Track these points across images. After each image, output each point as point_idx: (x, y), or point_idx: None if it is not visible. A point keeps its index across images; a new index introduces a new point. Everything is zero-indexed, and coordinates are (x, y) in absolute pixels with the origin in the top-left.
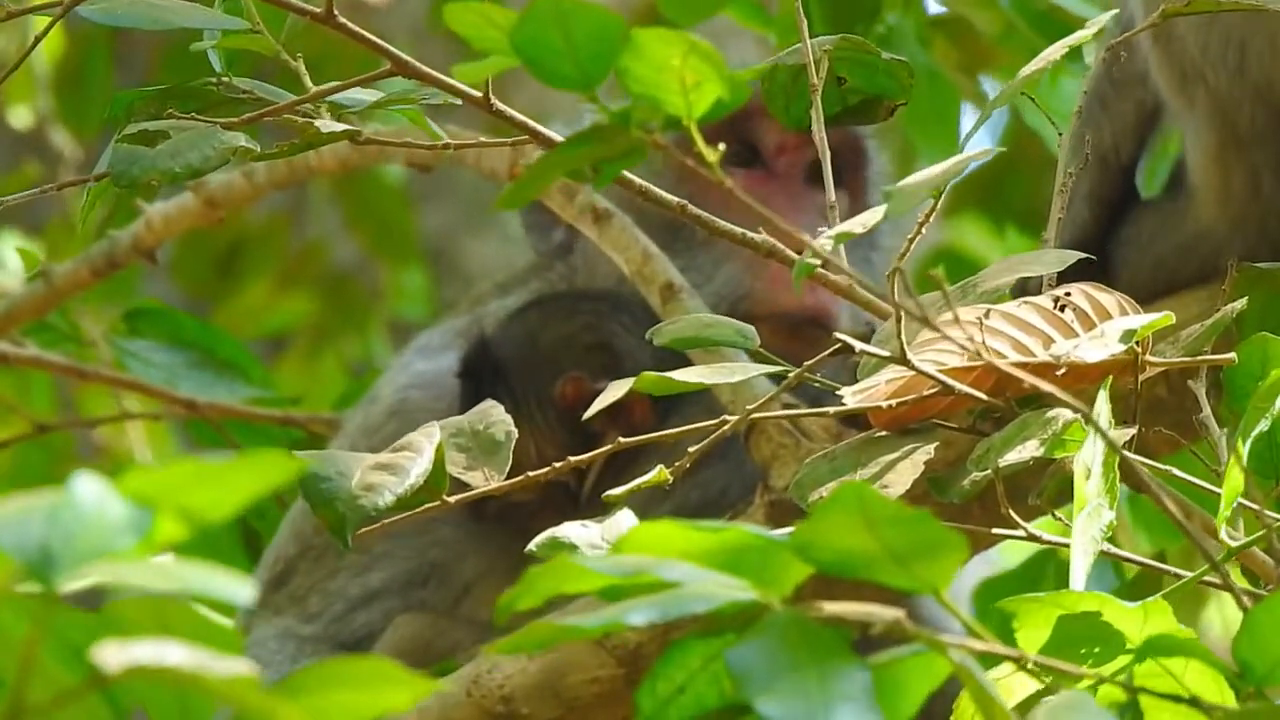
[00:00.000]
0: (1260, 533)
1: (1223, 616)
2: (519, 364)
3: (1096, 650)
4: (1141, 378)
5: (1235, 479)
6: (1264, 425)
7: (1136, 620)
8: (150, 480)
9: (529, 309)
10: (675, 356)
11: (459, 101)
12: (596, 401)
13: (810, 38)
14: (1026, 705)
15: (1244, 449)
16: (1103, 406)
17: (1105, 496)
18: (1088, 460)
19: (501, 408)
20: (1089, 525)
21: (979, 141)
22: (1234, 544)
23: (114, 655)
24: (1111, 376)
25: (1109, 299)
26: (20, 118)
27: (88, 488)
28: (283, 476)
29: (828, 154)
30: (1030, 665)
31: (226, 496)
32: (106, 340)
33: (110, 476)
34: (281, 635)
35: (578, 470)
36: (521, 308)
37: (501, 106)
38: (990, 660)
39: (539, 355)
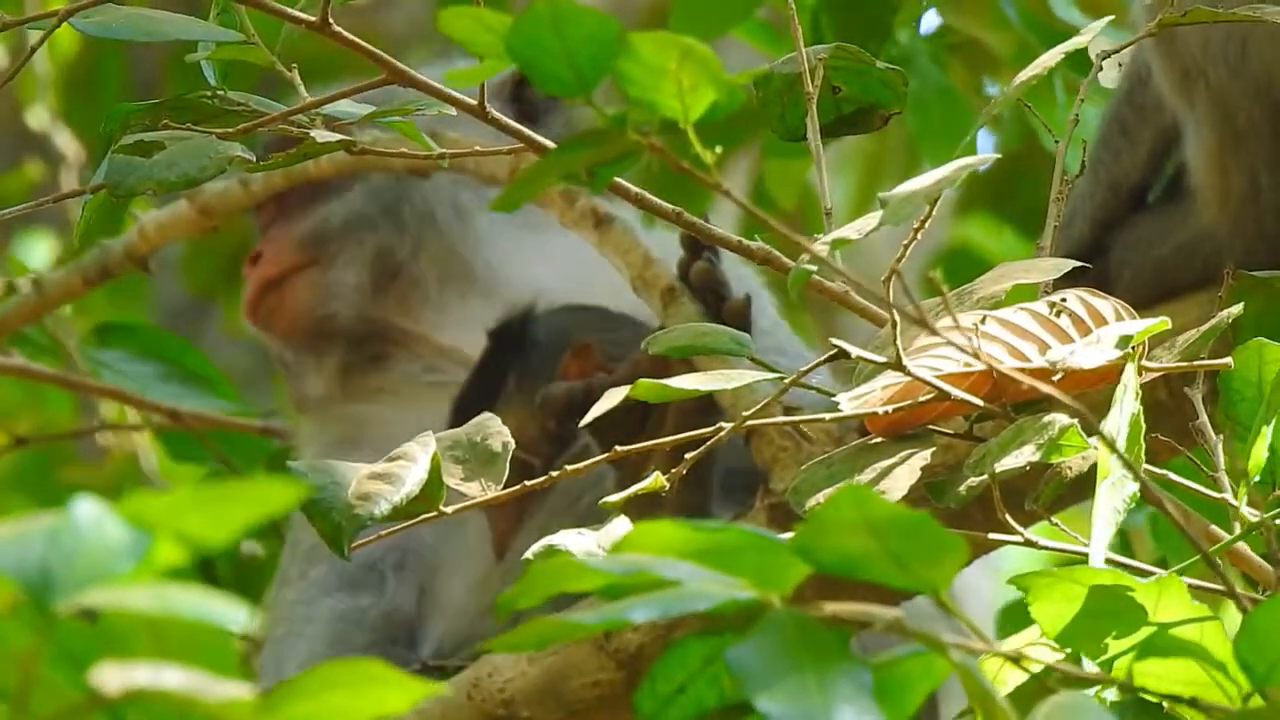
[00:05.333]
0: (1254, 525)
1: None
2: (544, 348)
3: (1120, 624)
4: (1138, 383)
5: (1258, 458)
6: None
7: (1151, 596)
8: (149, 504)
9: (581, 309)
10: None
11: (453, 112)
12: (593, 409)
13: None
14: (1026, 697)
15: (1262, 447)
16: (1130, 380)
17: (1129, 470)
18: (1112, 431)
19: (498, 419)
20: (1111, 497)
21: (985, 147)
22: (1244, 550)
23: (112, 677)
24: (1141, 351)
25: (1105, 304)
26: (38, 118)
27: (87, 511)
28: (283, 502)
29: (823, 161)
30: (1028, 662)
31: (226, 521)
32: (79, 352)
33: (112, 482)
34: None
35: (541, 452)
36: (578, 305)
37: (497, 115)
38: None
39: (564, 347)
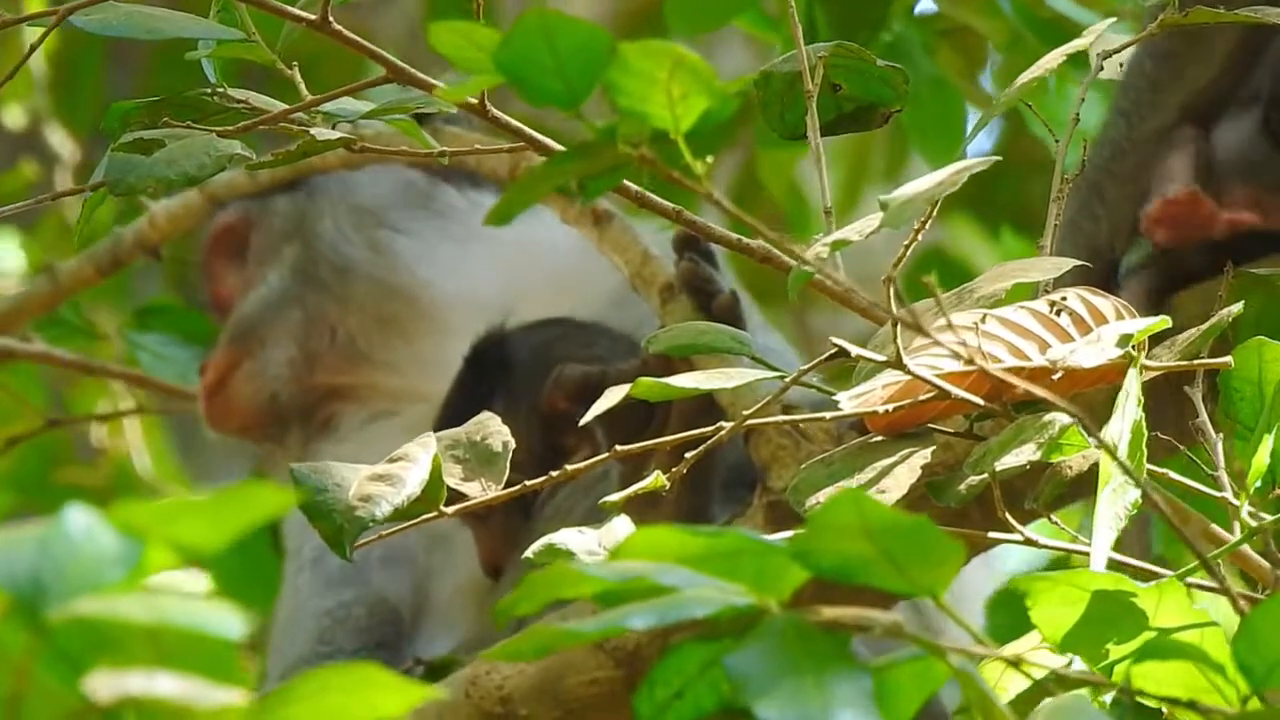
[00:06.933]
0: (1255, 529)
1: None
2: (526, 367)
3: (1120, 628)
4: (1140, 385)
5: (1260, 460)
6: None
7: (1151, 600)
8: (141, 512)
9: (556, 323)
10: None
11: (454, 109)
12: (594, 407)
13: (813, 45)
14: (1025, 701)
15: (1265, 449)
16: (1132, 385)
17: (1131, 477)
18: (1114, 436)
19: (497, 418)
20: (1113, 502)
21: (980, 145)
22: (1243, 549)
23: (105, 685)
24: (1144, 350)
25: (1105, 303)
26: (14, 117)
27: (78, 519)
28: (275, 509)
29: (823, 160)
30: (1027, 666)
31: (218, 528)
32: (120, 335)
33: (108, 477)
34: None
35: (529, 474)
36: (552, 319)
37: (498, 114)
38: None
39: (546, 367)
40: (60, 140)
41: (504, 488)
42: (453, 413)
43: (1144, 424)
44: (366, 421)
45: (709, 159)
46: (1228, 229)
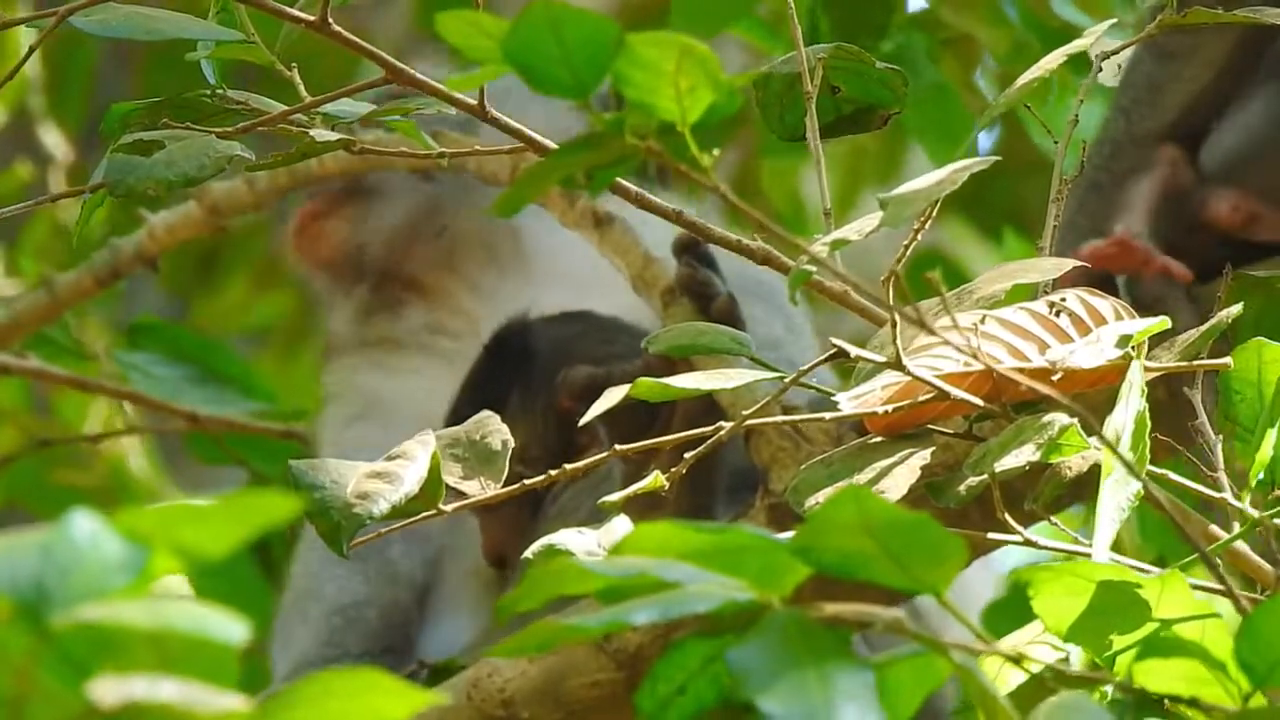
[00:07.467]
0: (1253, 522)
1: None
2: (548, 360)
3: (1124, 619)
4: (1143, 380)
5: (1262, 458)
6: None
7: (1154, 591)
8: (145, 518)
9: (579, 316)
10: None
11: (453, 111)
12: (594, 406)
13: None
14: (1025, 696)
15: (1266, 448)
16: (1136, 377)
17: (1131, 470)
18: (1117, 429)
19: (497, 417)
20: (1115, 494)
21: (979, 148)
22: (1243, 549)
23: (109, 690)
24: (1144, 345)
25: (1104, 304)
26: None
27: (82, 524)
28: (279, 515)
29: (823, 160)
30: (1028, 662)
31: (222, 534)
32: (108, 355)
33: (105, 487)
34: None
35: (542, 470)
36: (574, 313)
37: (497, 115)
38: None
39: (565, 363)
40: (55, 141)
41: (516, 482)
42: (470, 400)
43: (1147, 415)
44: (424, 330)
45: (715, 152)
46: (1161, 273)
